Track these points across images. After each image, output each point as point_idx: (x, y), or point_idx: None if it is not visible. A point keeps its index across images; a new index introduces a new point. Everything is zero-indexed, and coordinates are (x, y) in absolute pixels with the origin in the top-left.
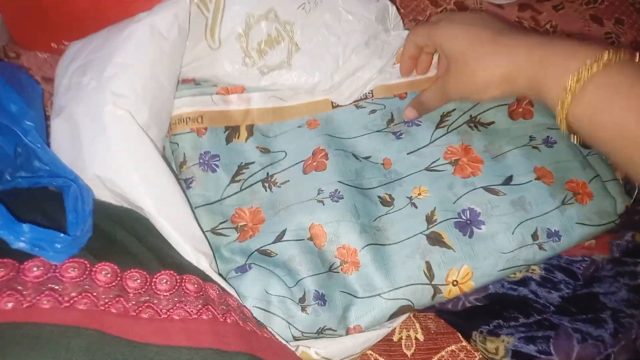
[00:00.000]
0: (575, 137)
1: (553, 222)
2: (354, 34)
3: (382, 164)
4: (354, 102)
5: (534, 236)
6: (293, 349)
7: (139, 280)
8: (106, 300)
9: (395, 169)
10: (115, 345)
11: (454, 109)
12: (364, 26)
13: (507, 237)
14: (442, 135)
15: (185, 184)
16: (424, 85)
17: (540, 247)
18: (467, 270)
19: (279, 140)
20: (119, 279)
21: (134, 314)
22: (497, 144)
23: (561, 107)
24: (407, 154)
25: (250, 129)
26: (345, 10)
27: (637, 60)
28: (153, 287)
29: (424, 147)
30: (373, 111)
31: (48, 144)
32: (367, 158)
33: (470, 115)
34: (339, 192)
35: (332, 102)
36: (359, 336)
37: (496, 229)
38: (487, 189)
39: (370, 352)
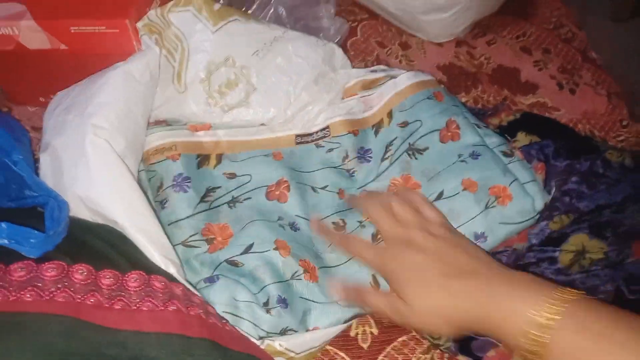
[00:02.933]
0: None
1: (479, 225)
2: (303, 74)
3: (337, 193)
4: (314, 141)
5: None
6: (259, 342)
7: (111, 279)
8: (82, 294)
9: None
10: (91, 330)
11: (396, 137)
12: (312, 67)
13: None
14: (385, 169)
15: (160, 205)
16: (377, 118)
17: None
18: None
19: (246, 164)
20: (93, 277)
21: (107, 305)
22: (432, 166)
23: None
24: (357, 188)
25: (219, 158)
26: (295, 54)
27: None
28: (124, 284)
29: (371, 181)
30: (330, 150)
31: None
32: (324, 188)
33: (409, 143)
34: (296, 224)
35: (295, 138)
36: (318, 331)
37: None
38: None
39: (329, 347)
